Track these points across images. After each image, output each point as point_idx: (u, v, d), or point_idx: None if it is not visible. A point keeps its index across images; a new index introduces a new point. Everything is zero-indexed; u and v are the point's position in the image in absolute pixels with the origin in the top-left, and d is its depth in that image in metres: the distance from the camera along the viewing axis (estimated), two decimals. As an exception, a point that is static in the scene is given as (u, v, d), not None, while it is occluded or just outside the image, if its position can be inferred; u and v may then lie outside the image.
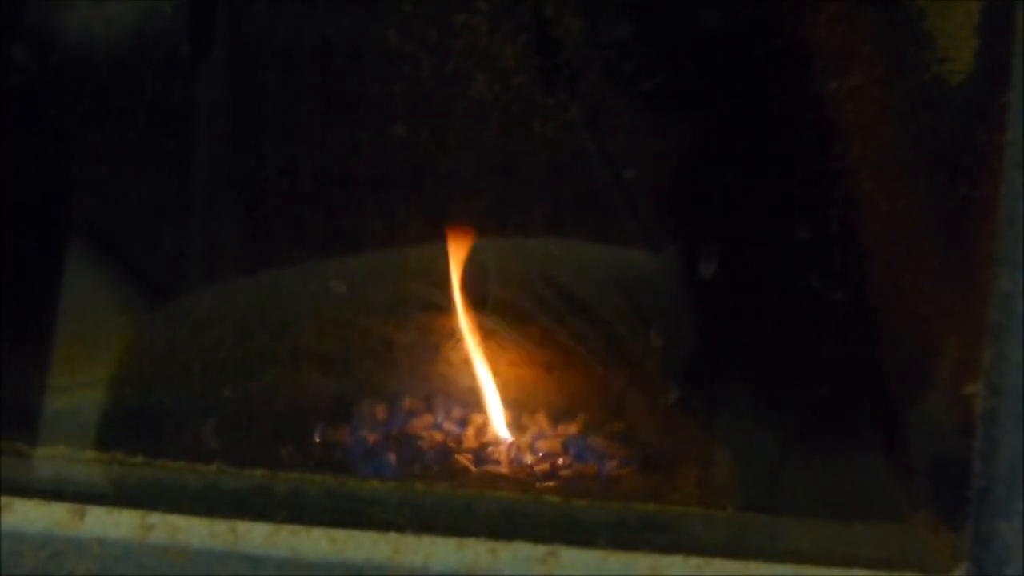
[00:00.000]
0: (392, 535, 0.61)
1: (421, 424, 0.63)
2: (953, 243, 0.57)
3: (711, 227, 0.62)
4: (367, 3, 0.63)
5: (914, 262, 0.57)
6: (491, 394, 0.64)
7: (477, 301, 0.63)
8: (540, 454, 0.61)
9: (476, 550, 0.61)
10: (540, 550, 0.60)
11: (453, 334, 0.65)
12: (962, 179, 0.57)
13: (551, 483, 0.60)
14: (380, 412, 0.63)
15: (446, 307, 0.65)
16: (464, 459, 0.61)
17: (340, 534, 0.62)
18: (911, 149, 0.57)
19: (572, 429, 0.61)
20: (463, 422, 0.62)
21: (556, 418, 0.62)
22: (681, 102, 0.61)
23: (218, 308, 0.65)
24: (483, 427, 0.62)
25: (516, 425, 0.62)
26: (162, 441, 0.64)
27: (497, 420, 0.62)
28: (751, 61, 0.60)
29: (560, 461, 0.61)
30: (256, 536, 0.63)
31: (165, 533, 0.64)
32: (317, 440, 0.62)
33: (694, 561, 0.57)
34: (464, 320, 0.64)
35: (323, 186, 0.66)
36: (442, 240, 0.66)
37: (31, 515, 0.65)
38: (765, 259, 0.60)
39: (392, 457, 0.61)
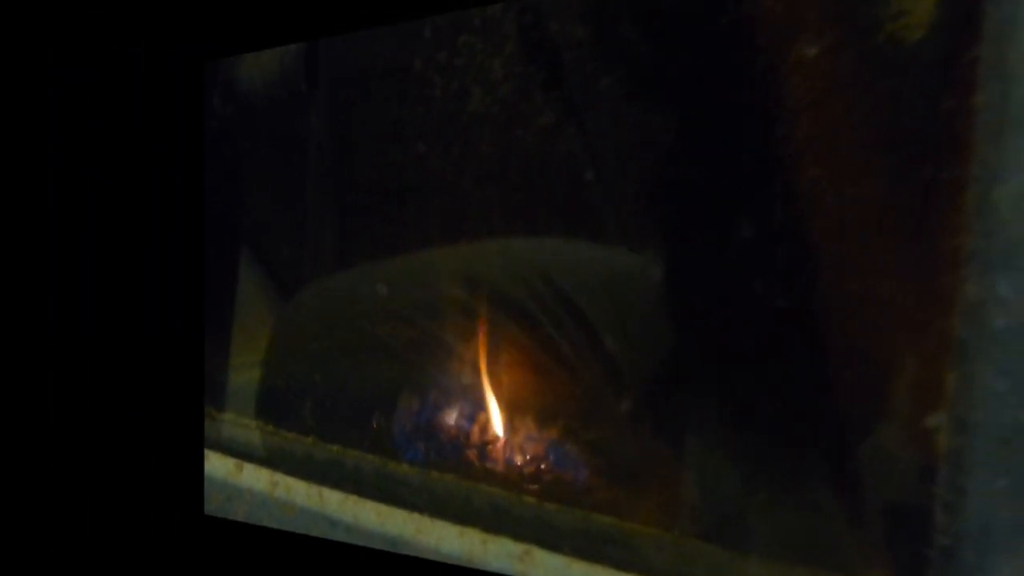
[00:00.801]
0: (416, 515, 0.67)
1: (443, 418, 0.67)
2: (913, 239, 0.45)
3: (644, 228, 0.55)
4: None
5: (866, 263, 0.46)
6: (490, 394, 0.66)
7: (478, 302, 0.64)
8: (527, 455, 0.62)
9: (472, 540, 0.64)
10: (519, 548, 0.62)
11: (462, 334, 0.66)
12: (924, 158, 0.45)
13: (534, 485, 0.61)
14: (415, 404, 0.68)
15: (456, 307, 0.67)
16: (471, 453, 0.64)
17: (384, 509, 0.70)
18: (863, 126, 0.46)
19: (554, 433, 0.60)
20: (472, 418, 0.65)
21: (542, 421, 0.61)
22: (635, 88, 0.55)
23: (313, 306, 0.76)
24: (485, 425, 0.64)
25: (510, 425, 0.63)
26: (283, 415, 0.77)
27: (494, 418, 0.64)
28: (688, 35, 0.52)
29: (542, 465, 0.61)
30: (332, 502, 0.74)
31: (284, 491, 0.78)
32: (374, 426, 0.70)
33: (645, 582, 0.54)
34: (468, 321, 0.66)
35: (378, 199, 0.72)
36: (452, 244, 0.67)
37: (216, 464, 0.84)
38: (699, 262, 0.52)
39: (421, 445, 0.67)
